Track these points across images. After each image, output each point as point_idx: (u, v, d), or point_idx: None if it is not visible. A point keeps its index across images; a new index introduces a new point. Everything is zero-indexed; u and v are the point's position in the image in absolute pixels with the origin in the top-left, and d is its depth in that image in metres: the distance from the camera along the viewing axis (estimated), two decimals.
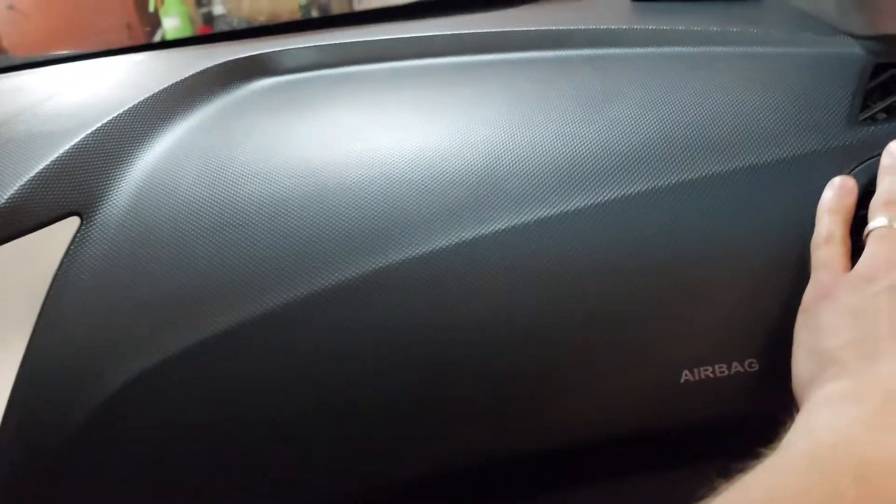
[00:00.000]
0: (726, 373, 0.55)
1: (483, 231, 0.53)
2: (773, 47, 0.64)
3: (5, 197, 0.51)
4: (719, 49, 0.65)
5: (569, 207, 0.53)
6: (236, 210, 0.53)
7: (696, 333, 0.56)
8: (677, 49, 0.65)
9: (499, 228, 0.53)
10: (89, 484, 0.47)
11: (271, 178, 0.55)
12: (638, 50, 0.66)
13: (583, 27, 0.69)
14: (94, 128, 0.59)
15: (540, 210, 0.54)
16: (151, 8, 5.26)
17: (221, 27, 5.16)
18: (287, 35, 0.84)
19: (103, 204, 0.54)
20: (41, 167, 0.55)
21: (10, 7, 5.19)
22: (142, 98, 0.63)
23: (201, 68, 0.66)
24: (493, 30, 0.71)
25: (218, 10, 5.17)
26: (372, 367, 0.50)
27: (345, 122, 0.61)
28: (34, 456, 0.47)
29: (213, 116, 0.62)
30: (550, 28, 0.69)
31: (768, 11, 0.75)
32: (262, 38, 0.83)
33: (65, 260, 0.52)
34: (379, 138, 0.59)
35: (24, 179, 0.54)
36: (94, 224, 0.54)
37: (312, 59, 0.70)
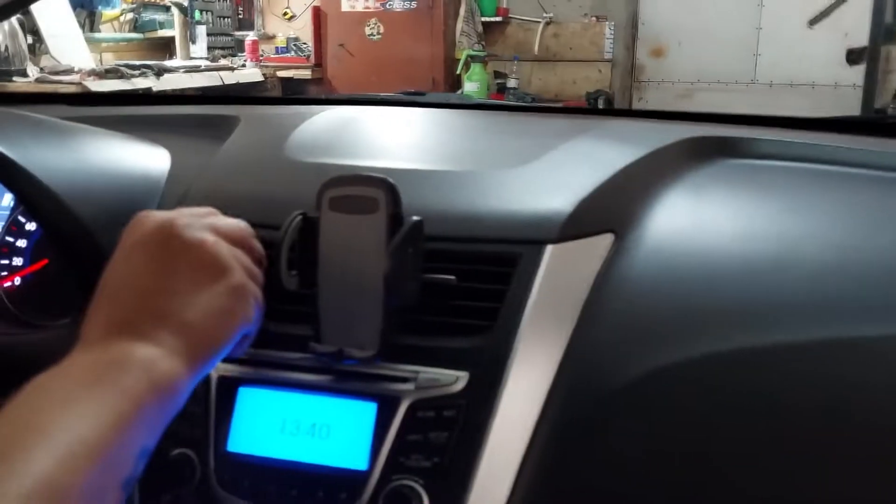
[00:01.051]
0: None
1: None
2: None
3: (570, 208, 0.65)
4: None
5: None
6: (725, 258, 0.64)
7: None
8: None
9: None
10: (616, 439, 0.58)
11: (746, 239, 0.66)
12: None
13: None
14: (619, 168, 0.72)
15: None
16: (458, 71, 5.80)
17: (511, 98, 5.58)
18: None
19: (633, 228, 0.66)
20: (590, 190, 0.67)
21: (341, 45, 5.95)
22: (646, 152, 0.76)
23: (670, 140, 0.80)
24: None
25: (511, 83, 5.60)
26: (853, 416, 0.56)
27: (805, 210, 0.70)
28: (576, 414, 0.58)
29: (700, 180, 0.75)
30: None
31: None
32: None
33: (603, 266, 0.63)
34: (833, 230, 0.67)
35: (581, 196, 0.66)
36: (626, 243, 0.65)
37: (772, 150, 0.82)
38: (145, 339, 0.50)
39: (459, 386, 0.59)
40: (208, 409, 0.61)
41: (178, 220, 0.56)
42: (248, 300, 0.56)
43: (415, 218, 0.58)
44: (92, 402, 0.45)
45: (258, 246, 0.61)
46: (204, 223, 0.58)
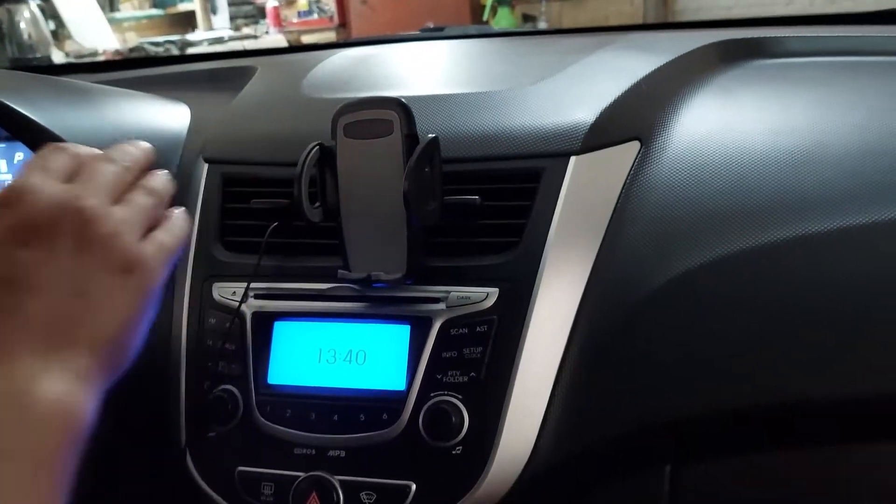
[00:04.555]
0: None
1: None
2: None
3: (593, 118, 0.63)
4: None
5: None
6: (754, 155, 0.62)
7: None
8: None
9: None
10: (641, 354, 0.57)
11: (776, 134, 0.64)
12: None
13: None
14: (643, 75, 0.70)
15: None
16: (485, 17, 5.69)
17: None
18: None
19: (659, 135, 0.65)
20: (613, 98, 0.66)
21: (363, 2, 5.86)
22: (668, 60, 0.74)
23: (694, 46, 0.77)
24: None
25: (541, 25, 5.45)
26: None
27: (836, 100, 0.68)
28: (609, 323, 0.58)
29: (728, 83, 0.73)
30: None
31: None
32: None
33: (630, 174, 0.62)
34: (860, 118, 0.65)
35: (604, 105, 0.65)
36: (653, 150, 0.63)
37: (801, 47, 0.80)
38: (51, 361, 0.43)
39: (490, 302, 0.58)
40: (246, 345, 0.62)
41: (78, 200, 0.47)
42: (156, 294, 0.50)
43: (430, 135, 0.58)
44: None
45: (157, 181, 0.54)
46: (104, 194, 0.49)
